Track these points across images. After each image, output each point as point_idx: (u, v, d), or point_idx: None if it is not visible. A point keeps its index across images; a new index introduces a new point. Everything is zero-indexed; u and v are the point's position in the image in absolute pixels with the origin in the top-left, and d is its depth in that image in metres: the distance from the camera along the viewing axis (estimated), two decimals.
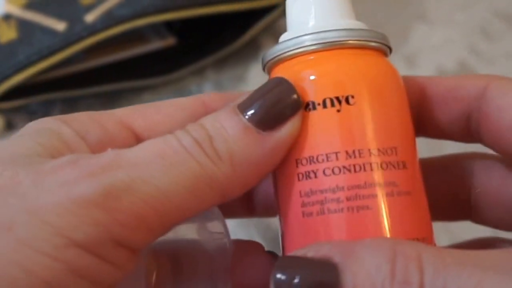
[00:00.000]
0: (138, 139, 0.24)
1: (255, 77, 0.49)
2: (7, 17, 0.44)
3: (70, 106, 0.46)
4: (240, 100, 0.23)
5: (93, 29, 0.43)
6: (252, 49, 0.51)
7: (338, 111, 0.23)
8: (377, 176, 0.23)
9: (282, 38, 0.26)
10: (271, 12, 0.50)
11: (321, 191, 0.23)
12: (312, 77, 0.24)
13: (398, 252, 0.19)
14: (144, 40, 0.48)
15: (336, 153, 0.23)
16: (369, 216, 0.22)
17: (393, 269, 0.19)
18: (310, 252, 0.20)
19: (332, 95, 0.23)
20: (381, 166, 0.23)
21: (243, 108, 0.22)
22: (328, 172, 0.23)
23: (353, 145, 0.23)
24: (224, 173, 0.21)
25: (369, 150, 0.23)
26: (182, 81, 0.49)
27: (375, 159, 0.23)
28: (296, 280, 0.19)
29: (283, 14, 0.49)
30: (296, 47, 0.24)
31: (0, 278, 0.18)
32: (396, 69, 0.26)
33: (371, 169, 0.23)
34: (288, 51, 0.25)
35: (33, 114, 0.45)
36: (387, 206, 0.23)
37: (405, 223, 0.23)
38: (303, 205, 0.23)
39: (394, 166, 0.23)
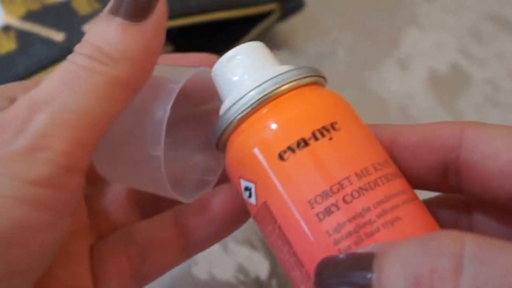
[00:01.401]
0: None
1: None
2: (6, 29, 0.44)
3: None
4: (109, 6, 0.24)
5: None
6: None
7: (331, 139, 0.23)
8: (391, 187, 0.23)
9: (224, 107, 0.25)
10: (267, 18, 0.50)
11: (350, 220, 0.22)
12: (290, 117, 0.24)
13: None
14: None
15: (348, 177, 0.23)
16: (403, 225, 0.22)
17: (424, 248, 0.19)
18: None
19: (319, 126, 0.23)
20: (388, 178, 0.23)
21: (114, 10, 0.24)
22: (348, 198, 0.22)
23: (359, 165, 0.23)
24: (125, 71, 0.24)
25: (372, 165, 0.23)
26: None
27: (380, 173, 0.23)
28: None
29: (278, 20, 0.50)
30: (261, 95, 0.24)
31: None
32: None
33: (383, 183, 0.23)
34: (253, 102, 0.24)
35: None
36: (412, 212, 0.23)
37: (426, 227, 0.23)
38: (336, 242, 0.22)
39: (395, 176, 0.24)
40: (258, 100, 0.24)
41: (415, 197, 0.24)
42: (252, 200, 0.24)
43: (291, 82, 0.24)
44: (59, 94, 0.22)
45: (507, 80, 0.52)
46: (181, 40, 0.50)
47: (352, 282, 0.20)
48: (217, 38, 0.51)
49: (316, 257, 0.22)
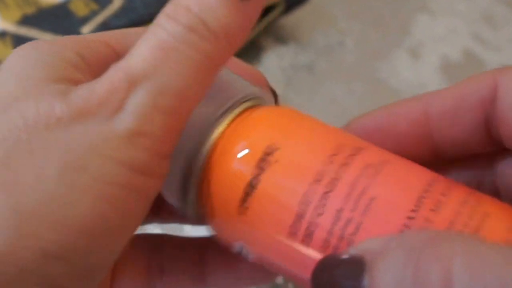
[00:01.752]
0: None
1: None
2: (3, 34, 0.43)
3: None
4: None
5: None
6: (252, 50, 0.51)
7: (276, 161, 0.22)
8: (354, 171, 0.22)
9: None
10: (270, 12, 0.49)
11: (332, 229, 0.21)
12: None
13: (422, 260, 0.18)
14: None
15: (308, 190, 0.22)
16: (381, 203, 0.21)
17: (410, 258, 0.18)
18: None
19: (263, 150, 0.23)
20: (347, 164, 0.22)
21: None
22: (320, 210, 0.21)
23: (313, 172, 0.22)
24: (222, 50, 0.21)
25: (327, 161, 0.22)
26: None
27: (337, 165, 0.22)
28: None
29: (283, 13, 0.49)
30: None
31: (93, 214, 0.19)
32: None
33: (344, 172, 0.22)
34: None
35: None
36: (385, 182, 0.22)
37: (404, 194, 0.21)
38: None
39: (356, 154, 0.22)
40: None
41: (386, 160, 0.22)
42: (251, 257, 0.24)
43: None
44: (159, 70, 0.20)
45: None
46: None
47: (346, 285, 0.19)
48: None
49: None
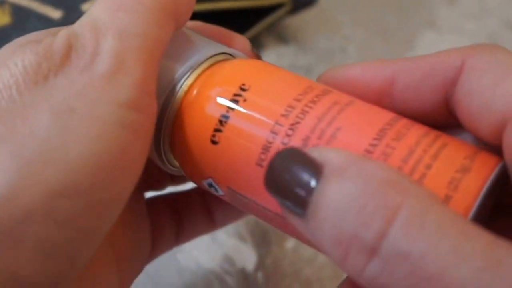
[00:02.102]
0: None
1: None
2: (1, 3, 0.43)
3: None
4: None
5: None
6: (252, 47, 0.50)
7: (245, 100, 0.23)
8: (321, 107, 0.22)
9: None
10: (276, 11, 0.49)
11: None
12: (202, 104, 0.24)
13: (378, 194, 0.18)
14: None
15: (275, 123, 0.22)
16: (345, 132, 0.22)
17: (362, 212, 0.18)
18: (314, 152, 0.20)
19: (230, 97, 0.24)
20: (314, 101, 0.23)
21: None
22: (286, 140, 0.22)
23: (282, 107, 0.23)
24: None
25: (295, 99, 0.23)
26: None
27: (305, 102, 0.23)
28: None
29: (288, 13, 0.49)
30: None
31: (91, 153, 0.20)
32: None
33: (311, 108, 0.22)
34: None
35: None
36: (350, 115, 0.22)
37: (372, 119, 0.22)
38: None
39: (323, 95, 0.23)
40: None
41: (352, 101, 0.23)
42: (220, 192, 0.25)
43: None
44: (117, 17, 0.22)
45: None
46: None
47: (297, 179, 0.20)
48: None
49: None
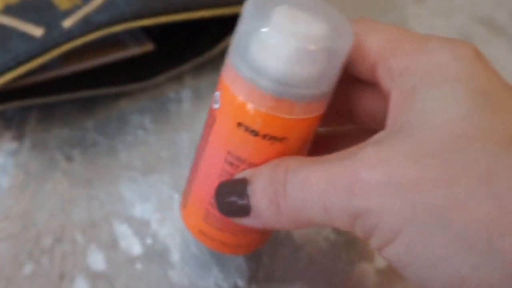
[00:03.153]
0: None
1: None
2: None
3: (47, 112, 0.46)
4: None
5: (70, 35, 0.42)
6: None
7: None
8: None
9: None
10: None
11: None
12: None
13: (276, 167, 0.29)
14: (122, 46, 0.48)
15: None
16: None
17: (272, 175, 0.28)
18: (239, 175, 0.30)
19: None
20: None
21: None
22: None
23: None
24: None
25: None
26: (160, 88, 0.49)
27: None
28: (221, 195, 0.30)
29: None
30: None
31: None
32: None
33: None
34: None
35: (8, 120, 0.44)
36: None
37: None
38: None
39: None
40: None
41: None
42: (217, 105, 0.30)
43: None
44: None
45: None
46: (163, 39, 0.50)
47: (234, 202, 0.29)
48: (199, 37, 0.51)
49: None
